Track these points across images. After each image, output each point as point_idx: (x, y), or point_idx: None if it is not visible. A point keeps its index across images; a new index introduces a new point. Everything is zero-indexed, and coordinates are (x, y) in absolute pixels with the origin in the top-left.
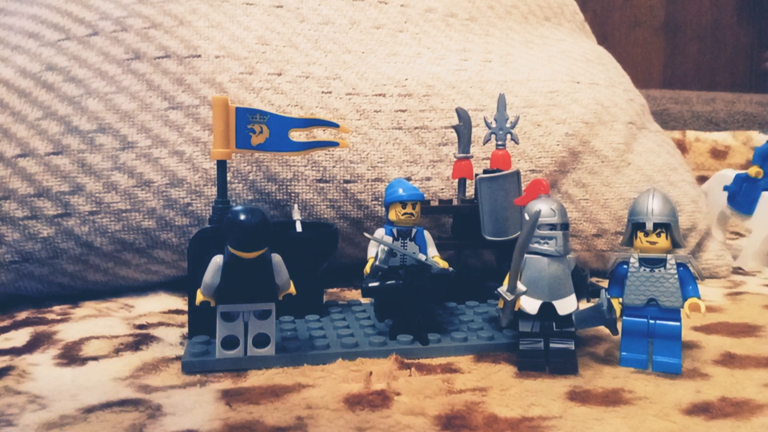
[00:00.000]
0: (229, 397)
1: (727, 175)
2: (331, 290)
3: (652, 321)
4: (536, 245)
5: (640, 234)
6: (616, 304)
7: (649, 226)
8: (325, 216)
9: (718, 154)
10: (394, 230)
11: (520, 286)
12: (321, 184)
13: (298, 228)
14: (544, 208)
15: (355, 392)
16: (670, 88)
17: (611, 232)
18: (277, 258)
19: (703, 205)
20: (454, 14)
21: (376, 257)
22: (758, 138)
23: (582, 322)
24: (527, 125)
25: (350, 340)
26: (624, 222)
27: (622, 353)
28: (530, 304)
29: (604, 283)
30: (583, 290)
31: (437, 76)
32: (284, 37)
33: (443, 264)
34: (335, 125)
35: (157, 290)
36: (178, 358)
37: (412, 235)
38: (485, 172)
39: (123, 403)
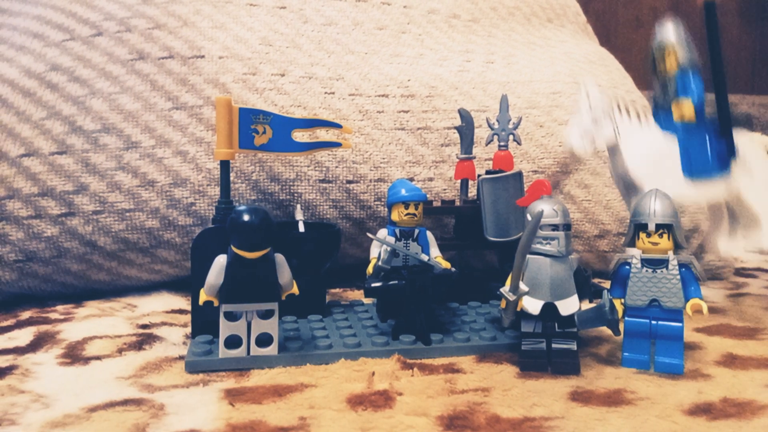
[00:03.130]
0: (232, 396)
1: None
2: (333, 290)
3: (654, 322)
4: (538, 246)
5: (642, 235)
6: (618, 304)
7: (651, 227)
8: (328, 216)
9: None
10: (397, 231)
11: (523, 287)
12: (324, 185)
13: (301, 228)
14: (546, 208)
15: (358, 392)
16: None
17: (613, 233)
18: (280, 258)
19: (705, 207)
20: (456, 15)
21: (378, 257)
22: (760, 140)
23: (584, 323)
24: (530, 126)
25: (353, 340)
26: (626, 223)
27: (624, 354)
28: (532, 305)
29: (606, 284)
30: (586, 291)
31: (440, 77)
32: (287, 38)
33: (445, 264)
34: (338, 126)
35: (160, 290)
36: (181, 357)
37: (415, 235)
38: (488, 172)
39: (126, 403)
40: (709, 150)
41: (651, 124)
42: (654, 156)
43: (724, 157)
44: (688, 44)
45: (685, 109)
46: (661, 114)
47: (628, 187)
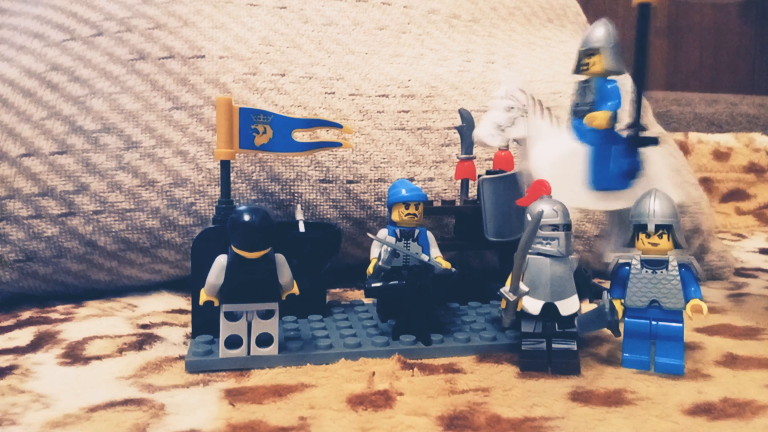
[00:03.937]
0: (232, 396)
1: None
2: (333, 290)
3: (654, 322)
4: (539, 246)
5: (642, 235)
6: (617, 305)
7: (651, 227)
8: (328, 216)
9: (721, 155)
10: (397, 231)
11: (523, 287)
12: (324, 185)
13: (301, 228)
14: (546, 208)
15: (358, 392)
16: (672, 89)
17: None
18: (280, 258)
19: (705, 207)
20: (457, 16)
21: (379, 257)
22: (760, 140)
23: (584, 326)
24: None
25: (353, 340)
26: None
27: (624, 354)
28: (532, 305)
29: (607, 284)
30: (586, 291)
31: (440, 77)
32: (288, 38)
33: (446, 264)
34: (338, 126)
35: (161, 290)
36: (181, 357)
37: (415, 235)
38: (488, 172)
39: (126, 403)
40: (614, 164)
41: (564, 129)
42: (559, 160)
43: (629, 173)
44: (616, 50)
45: (598, 116)
46: (578, 120)
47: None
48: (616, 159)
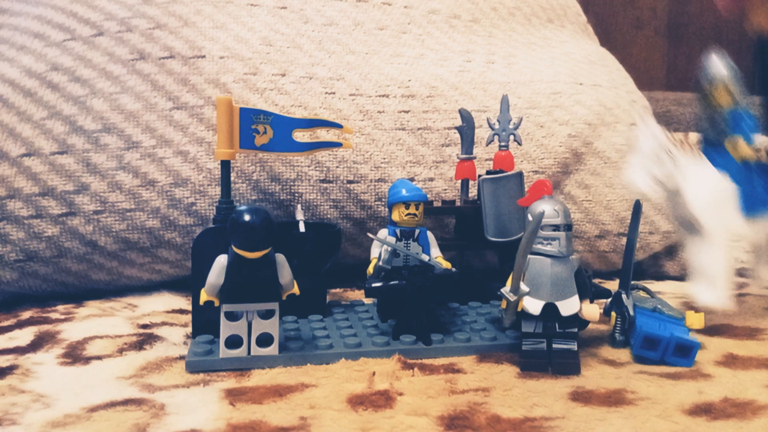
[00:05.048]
0: (232, 396)
1: None
2: (334, 290)
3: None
4: (539, 246)
5: None
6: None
7: None
8: (329, 216)
9: None
10: (398, 231)
11: (523, 287)
12: (324, 185)
13: (302, 228)
14: (547, 209)
15: (358, 392)
16: (672, 90)
17: (614, 234)
18: (280, 258)
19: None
20: (457, 16)
21: (379, 257)
22: (760, 140)
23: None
24: (530, 126)
25: (353, 340)
26: (626, 223)
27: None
28: (533, 305)
29: (607, 284)
30: (586, 291)
31: (440, 78)
32: (288, 38)
33: (446, 264)
34: (339, 126)
35: (161, 290)
36: (181, 357)
37: (415, 235)
38: (488, 173)
39: (127, 403)
40: (763, 187)
41: (704, 160)
42: (714, 194)
43: None
44: (737, 79)
45: (742, 148)
46: (712, 150)
47: (689, 228)
48: (763, 182)
